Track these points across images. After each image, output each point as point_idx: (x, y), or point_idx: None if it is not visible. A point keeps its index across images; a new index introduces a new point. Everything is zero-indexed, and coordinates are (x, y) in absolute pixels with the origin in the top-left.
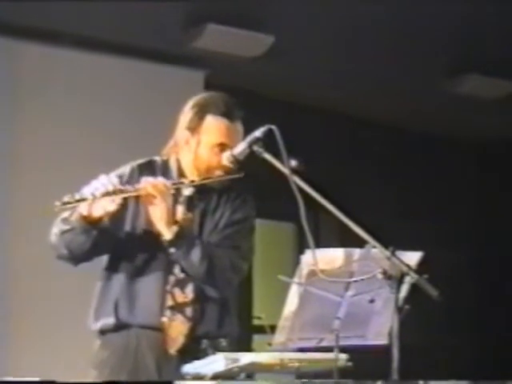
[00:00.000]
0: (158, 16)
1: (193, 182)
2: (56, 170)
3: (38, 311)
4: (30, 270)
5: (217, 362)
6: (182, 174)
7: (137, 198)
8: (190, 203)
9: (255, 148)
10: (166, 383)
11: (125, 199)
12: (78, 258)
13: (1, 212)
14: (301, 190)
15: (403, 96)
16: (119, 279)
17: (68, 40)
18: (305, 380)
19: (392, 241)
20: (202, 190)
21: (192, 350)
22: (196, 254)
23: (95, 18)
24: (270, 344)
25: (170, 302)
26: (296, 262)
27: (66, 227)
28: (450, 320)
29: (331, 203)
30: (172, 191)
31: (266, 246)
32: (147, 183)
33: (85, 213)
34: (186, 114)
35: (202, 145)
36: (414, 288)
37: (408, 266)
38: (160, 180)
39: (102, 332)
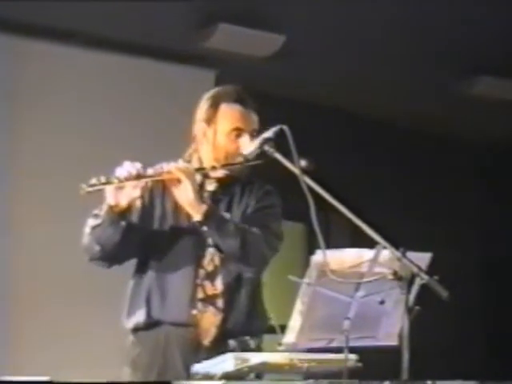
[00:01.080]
0: (170, 15)
1: (214, 167)
2: (58, 172)
3: (40, 311)
4: (31, 273)
5: (226, 362)
6: (201, 165)
7: (162, 184)
8: (215, 198)
9: (266, 148)
10: (166, 383)
11: (151, 191)
12: (109, 254)
13: (1, 212)
14: (311, 190)
15: (414, 97)
16: (150, 276)
17: (77, 39)
18: (311, 380)
19: (400, 241)
20: (225, 185)
21: (223, 344)
22: (229, 229)
23: (105, 16)
24: (279, 344)
25: (200, 295)
26: (306, 263)
27: (96, 222)
28: (457, 320)
29: (342, 203)
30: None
31: None
32: (172, 166)
33: (112, 202)
34: (202, 108)
35: (219, 133)
36: (423, 289)
37: (418, 266)
38: (181, 163)
39: (135, 330)
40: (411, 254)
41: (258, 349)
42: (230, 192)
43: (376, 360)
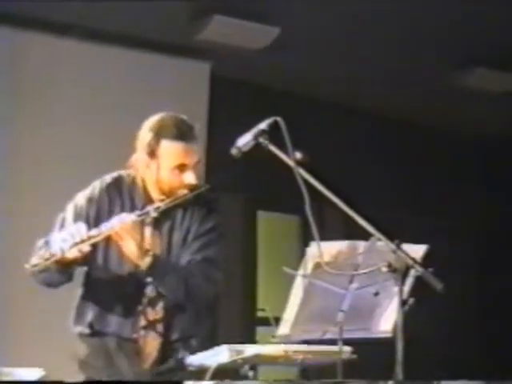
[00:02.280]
0: (164, 8)
1: (158, 208)
2: (57, 166)
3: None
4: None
5: (221, 354)
6: (147, 193)
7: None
8: (158, 222)
9: (260, 140)
10: (177, 383)
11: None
12: (56, 286)
13: (1, 205)
14: (306, 183)
15: (410, 89)
16: (95, 298)
17: (73, 32)
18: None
19: (397, 234)
20: (167, 209)
21: (165, 357)
22: (172, 280)
23: (100, 9)
24: (274, 336)
25: (143, 322)
26: (301, 255)
27: (42, 267)
28: (453, 313)
29: (336, 196)
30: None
31: (271, 239)
32: (115, 224)
33: (59, 256)
34: (143, 138)
35: (162, 168)
36: (420, 284)
37: (413, 258)
38: (126, 219)
39: (81, 335)
40: (406, 246)
41: (202, 346)
42: (171, 217)
43: (371, 352)
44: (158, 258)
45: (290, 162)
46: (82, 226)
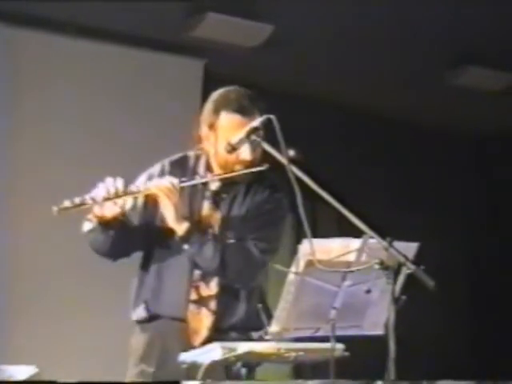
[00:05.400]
0: (158, 5)
1: (217, 175)
2: (56, 166)
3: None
4: (31, 267)
5: (214, 351)
6: (209, 168)
7: (148, 198)
8: (217, 197)
9: (253, 137)
10: (175, 383)
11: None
12: (107, 254)
13: (2, 205)
14: (298, 180)
15: (403, 87)
16: (150, 275)
17: (67, 30)
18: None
19: (389, 231)
20: (228, 184)
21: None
22: (208, 250)
23: (93, 6)
24: (266, 333)
25: (194, 296)
26: (293, 252)
27: (90, 227)
28: (447, 316)
29: (329, 193)
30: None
31: None
32: (152, 184)
33: (98, 214)
34: (205, 110)
35: (220, 141)
36: (411, 282)
37: (405, 256)
38: (165, 181)
39: (139, 322)
40: (398, 244)
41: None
42: (233, 191)
43: (364, 350)
44: (197, 224)
45: (283, 160)
46: (119, 181)
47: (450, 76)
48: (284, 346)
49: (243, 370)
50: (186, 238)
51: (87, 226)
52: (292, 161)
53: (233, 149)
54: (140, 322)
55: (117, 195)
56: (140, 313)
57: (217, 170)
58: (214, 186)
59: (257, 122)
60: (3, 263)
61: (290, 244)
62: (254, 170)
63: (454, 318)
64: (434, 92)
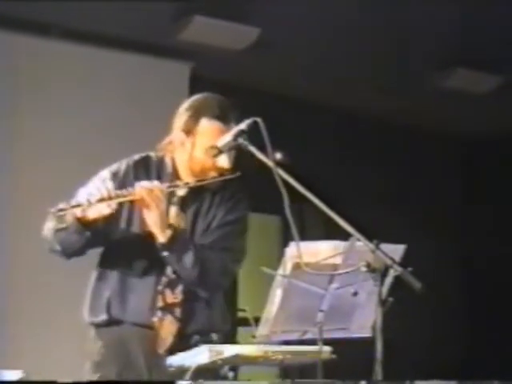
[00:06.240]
0: (145, 8)
1: (187, 184)
2: (54, 167)
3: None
4: (29, 267)
5: (201, 355)
6: (176, 173)
7: (131, 201)
8: (184, 203)
9: (240, 140)
10: (168, 383)
11: (120, 202)
12: (69, 254)
13: (1, 204)
14: (285, 183)
15: (391, 89)
16: (113, 277)
17: (53, 32)
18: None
19: (381, 234)
20: (196, 191)
21: (182, 347)
22: (189, 259)
23: (79, 9)
24: (253, 336)
25: (160, 303)
26: (281, 255)
27: (61, 225)
28: (437, 316)
29: (316, 196)
30: (166, 194)
31: (251, 239)
32: (142, 188)
33: (79, 215)
34: (181, 116)
35: (197, 147)
36: (398, 283)
37: (392, 258)
38: (155, 185)
39: (97, 325)
40: (385, 246)
41: (222, 342)
42: (199, 200)
43: (351, 353)
44: (179, 232)
45: (270, 163)
46: (109, 183)
47: (439, 78)
48: (271, 348)
49: (230, 374)
50: (167, 245)
51: (56, 224)
52: (279, 163)
53: (219, 152)
54: (98, 325)
55: (109, 198)
56: (100, 315)
57: (186, 175)
58: (182, 192)
59: (244, 124)
60: (3, 264)
61: (278, 247)
62: (230, 177)
63: (444, 318)
64: (422, 94)
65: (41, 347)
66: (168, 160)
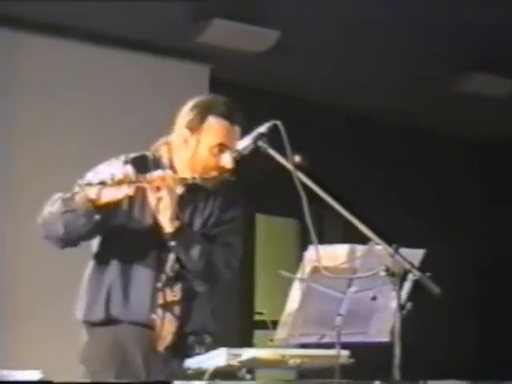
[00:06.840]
0: (164, 11)
1: (195, 178)
2: (56, 169)
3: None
4: (30, 267)
5: (218, 357)
6: (174, 171)
7: (143, 189)
8: (181, 202)
9: (260, 143)
10: (166, 383)
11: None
12: (71, 239)
13: (1, 204)
14: (305, 186)
15: (408, 94)
16: (111, 273)
17: (71, 34)
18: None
19: (395, 238)
20: (192, 190)
21: (179, 346)
22: (195, 250)
23: (100, 11)
24: (271, 340)
25: (160, 301)
26: (299, 258)
27: (69, 208)
28: (451, 318)
29: (335, 200)
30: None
31: (269, 242)
32: (156, 175)
33: (93, 196)
34: (186, 115)
35: (202, 145)
36: (416, 286)
37: (411, 263)
38: (169, 173)
39: (92, 324)
40: (404, 251)
41: (215, 345)
42: (195, 198)
43: (368, 357)
44: (186, 224)
45: (289, 166)
46: (129, 167)
47: (454, 83)
48: (289, 352)
49: (248, 376)
50: (175, 235)
51: (64, 206)
52: (298, 167)
53: (240, 155)
54: (93, 324)
55: (130, 181)
56: (97, 315)
57: (185, 174)
58: (179, 190)
59: (263, 127)
60: (3, 265)
61: (296, 250)
62: (230, 178)
63: (459, 322)
64: (437, 98)
65: (39, 346)
66: (165, 160)
